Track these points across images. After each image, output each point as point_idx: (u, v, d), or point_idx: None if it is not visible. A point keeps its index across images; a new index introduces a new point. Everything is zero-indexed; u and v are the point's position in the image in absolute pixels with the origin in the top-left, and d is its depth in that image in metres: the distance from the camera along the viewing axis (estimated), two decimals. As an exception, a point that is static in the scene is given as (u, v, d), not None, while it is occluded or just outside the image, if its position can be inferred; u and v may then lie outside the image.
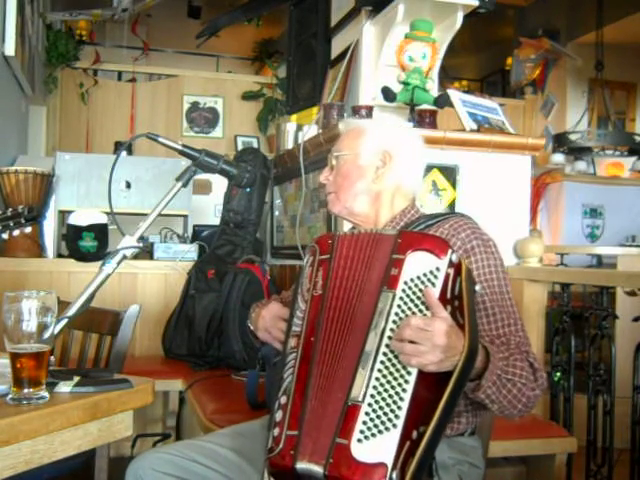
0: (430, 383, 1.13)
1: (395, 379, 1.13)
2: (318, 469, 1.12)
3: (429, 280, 1.16)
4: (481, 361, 1.20)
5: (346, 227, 2.33)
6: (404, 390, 1.12)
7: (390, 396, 1.12)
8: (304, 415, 1.17)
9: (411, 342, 1.11)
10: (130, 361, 2.02)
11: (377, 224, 1.49)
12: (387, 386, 1.12)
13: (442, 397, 1.12)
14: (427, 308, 1.15)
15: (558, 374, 2.37)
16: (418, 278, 1.17)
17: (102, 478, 1.73)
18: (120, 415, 1.25)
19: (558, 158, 5.79)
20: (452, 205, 2.49)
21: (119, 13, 5.38)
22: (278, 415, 1.21)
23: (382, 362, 1.14)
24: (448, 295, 1.17)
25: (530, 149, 2.61)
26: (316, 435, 1.15)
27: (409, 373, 1.12)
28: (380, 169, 1.48)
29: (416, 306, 1.16)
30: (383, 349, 1.14)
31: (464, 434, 1.40)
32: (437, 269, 1.17)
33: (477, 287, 1.23)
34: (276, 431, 1.19)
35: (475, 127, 2.57)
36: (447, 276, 1.16)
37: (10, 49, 3.60)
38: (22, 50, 4.04)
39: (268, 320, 1.50)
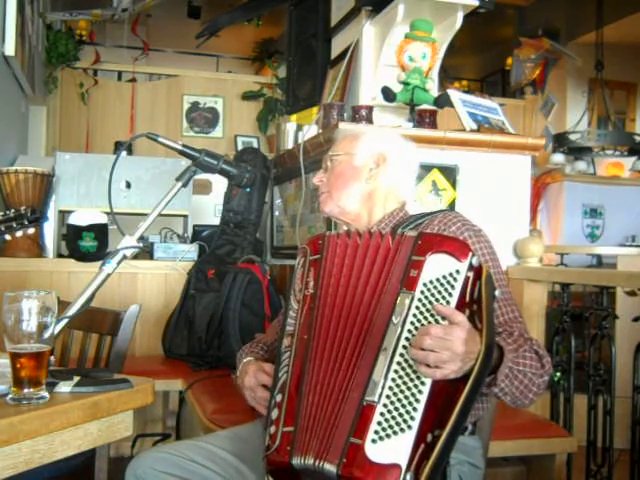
0: (446, 384, 1.13)
1: (411, 380, 1.12)
2: (331, 468, 1.11)
3: (448, 282, 1.15)
4: (495, 358, 1.21)
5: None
6: (420, 392, 1.11)
7: (406, 397, 1.11)
8: (300, 411, 1.17)
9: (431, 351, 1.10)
10: (130, 361, 2.02)
11: (369, 224, 1.51)
12: (403, 387, 1.12)
13: (458, 398, 1.11)
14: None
15: (558, 374, 2.37)
16: (437, 280, 1.16)
17: (102, 478, 1.73)
18: (120, 415, 1.25)
19: (558, 158, 5.79)
20: (452, 205, 2.49)
21: (119, 13, 5.38)
22: (274, 413, 1.21)
23: (399, 363, 1.13)
24: (467, 299, 1.16)
25: (530, 149, 2.61)
26: (321, 432, 1.14)
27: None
28: (373, 170, 1.52)
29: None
30: (400, 350, 1.13)
31: (464, 433, 1.40)
32: (457, 272, 1.15)
33: (497, 292, 1.23)
34: (272, 429, 1.19)
35: (475, 127, 2.57)
36: (467, 279, 1.15)
37: (10, 49, 3.60)
38: (22, 50, 4.03)
39: (248, 392, 1.44)
